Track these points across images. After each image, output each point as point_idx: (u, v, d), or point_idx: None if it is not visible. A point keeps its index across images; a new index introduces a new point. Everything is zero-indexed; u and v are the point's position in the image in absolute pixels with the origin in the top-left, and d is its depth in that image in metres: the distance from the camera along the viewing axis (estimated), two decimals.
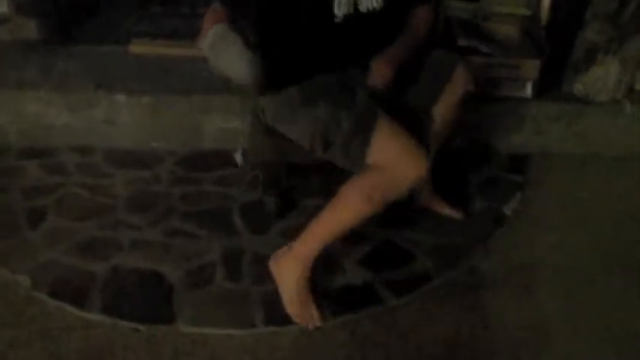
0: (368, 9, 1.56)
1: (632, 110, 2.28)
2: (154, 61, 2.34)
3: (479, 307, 1.72)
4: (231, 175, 2.12)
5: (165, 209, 1.97)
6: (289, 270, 1.60)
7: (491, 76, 2.20)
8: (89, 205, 1.97)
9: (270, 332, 1.60)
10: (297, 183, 2.03)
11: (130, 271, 1.73)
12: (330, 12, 1.52)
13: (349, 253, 1.82)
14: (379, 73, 1.54)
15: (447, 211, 1.97)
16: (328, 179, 2.05)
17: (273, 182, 1.94)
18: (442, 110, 1.74)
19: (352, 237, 1.66)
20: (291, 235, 1.87)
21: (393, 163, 1.43)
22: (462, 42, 2.20)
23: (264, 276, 1.72)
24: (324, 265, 1.66)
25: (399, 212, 1.71)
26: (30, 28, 2.33)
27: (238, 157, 1.71)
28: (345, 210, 1.49)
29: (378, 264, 1.80)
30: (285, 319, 1.62)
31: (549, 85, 2.28)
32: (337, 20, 1.54)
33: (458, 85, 1.71)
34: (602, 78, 2.22)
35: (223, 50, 1.40)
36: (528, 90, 2.23)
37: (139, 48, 2.38)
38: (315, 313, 1.61)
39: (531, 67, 2.19)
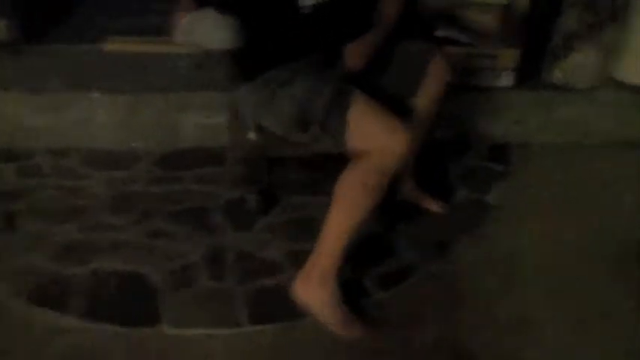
0: None
1: (610, 98, 2.29)
2: (130, 59, 2.30)
3: (464, 299, 1.72)
4: (211, 172, 2.10)
5: (146, 209, 1.94)
6: (319, 295, 1.54)
7: (471, 66, 2.20)
8: (67, 207, 1.93)
9: (256, 331, 1.58)
10: (279, 179, 2.01)
11: (111, 274, 1.70)
12: (295, 5, 1.51)
13: None
14: (352, 57, 1.54)
15: (430, 204, 1.97)
16: (310, 174, 2.05)
17: (255, 179, 1.92)
18: (422, 102, 1.73)
19: None
20: (275, 230, 1.88)
21: (374, 141, 1.41)
22: (441, 32, 2.20)
23: (248, 274, 1.71)
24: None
25: (381, 205, 1.69)
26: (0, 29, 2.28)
27: (252, 135, 1.69)
28: (347, 209, 1.46)
29: (362, 258, 1.78)
30: (270, 317, 1.60)
31: (529, 73, 2.29)
32: (305, 11, 1.52)
33: (437, 76, 1.70)
34: (580, 65, 2.23)
35: (199, 26, 1.42)
36: (508, 79, 2.23)
37: (114, 46, 2.34)
38: (360, 323, 1.57)
39: (510, 57, 2.19)
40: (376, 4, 1.67)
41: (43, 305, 1.60)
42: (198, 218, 1.91)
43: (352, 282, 1.71)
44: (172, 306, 1.61)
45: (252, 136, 1.66)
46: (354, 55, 1.55)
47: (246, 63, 1.55)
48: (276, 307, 1.62)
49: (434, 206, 1.96)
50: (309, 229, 1.86)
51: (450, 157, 2.25)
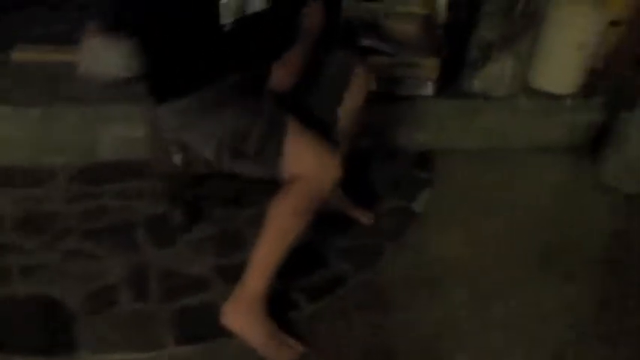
0: (255, 11, 1.50)
1: (527, 104, 2.38)
2: (41, 68, 2.17)
3: (394, 306, 1.73)
4: (132, 187, 2.01)
5: (61, 229, 1.83)
6: (248, 319, 1.51)
7: (393, 76, 2.22)
8: None
9: (182, 352, 1.51)
10: (203, 191, 1.95)
11: (22, 301, 1.59)
12: (217, 23, 1.45)
13: None
14: (279, 78, 1.51)
15: (357, 215, 1.97)
16: (233, 185, 2.00)
17: (178, 193, 1.86)
18: (346, 112, 1.73)
19: None
20: (200, 246, 1.82)
21: (309, 169, 1.41)
22: (363, 42, 2.21)
23: (172, 293, 1.64)
24: (236, 276, 1.59)
25: None
26: None
27: (177, 159, 1.63)
28: (277, 235, 1.44)
29: (291, 270, 1.75)
30: (196, 338, 1.54)
31: (449, 82, 2.34)
32: (226, 28, 1.46)
33: (359, 86, 1.71)
34: (498, 74, 2.30)
35: (100, 53, 1.36)
36: (429, 88, 2.28)
37: (23, 55, 2.20)
38: (292, 342, 1.54)
39: (431, 66, 2.23)
40: (298, 15, 1.64)
41: None
42: (118, 236, 1.82)
43: (281, 295, 1.68)
44: (91, 332, 1.52)
45: (177, 160, 1.62)
46: (282, 75, 1.52)
47: (166, 84, 1.47)
48: (203, 326, 1.57)
49: (362, 218, 1.97)
50: (234, 242, 1.83)
51: (375, 166, 2.26)
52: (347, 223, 1.95)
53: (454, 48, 2.29)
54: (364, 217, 1.97)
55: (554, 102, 2.40)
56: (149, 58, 1.40)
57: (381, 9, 2.35)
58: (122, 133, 2.07)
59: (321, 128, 1.56)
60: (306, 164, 1.41)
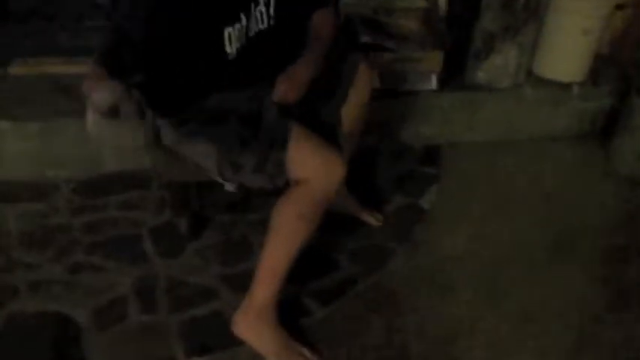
0: (257, 31, 1.46)
1: (532, 94, 2.34)
2: (39, 81, 2.15)
3: (407, 307, 1.70)
4: (136, 197, 1.99)
5: (67, 243, 1.81)
6: (259, 328, 1.48)
7: (396, 71, 2.19)
8: None
9: None
10: (207, 198, 1.93)
11: (30, 317, 1.57)
12: (223, 52, 1.41)
13: None
14: (281, 93, 1.42)
15: (366, 217, 1.94)
16: (238, 191, 1.97)
17: (183, 202, 1.83)
18: (350, 111, 1.69)
19: None
20: (207, 254, 1.79)
21: (312, 172, 1.37)
22: (365, 39, 2.17)
23: (181, 303, 1.62)
24: (244, 284, 1.57)
25: None
26: None
27: (230, 187, 1.62)
28: (284, 242, 1.41)
29: (301, 275, 1.72)
30: (207, 348, 1.52)
31: (453, 75, 2.30)
32: (231, 57, 1.43)
33: (363, 83, 1.67)
34: (502, 65, 2.26)
35: (107, 132, 1.27)
36: (433, 82, 2.24)
37: (20, 69, 2.18)
38: (305, 352, 1.50)
39: (434, 60, 2.20)
40: (304, 27, 1.57)
41: None
42: (124, 248, 1.80)
43: (291, 301, 1.65)
44: (100, 346, 1.51)
45: (230, 187, 1.60)
46: (286, 88, 1.42)
47: (165, 101, 1.43)
48: (213, 336, 1.55)
49: (371, 220, 1.93)
50: (242, 249, 1.81)
51: (381, 164, 2.23)
52: (355, 224, 1.92)
53: (457, 40, 2.25)
54: (372, 219, 1.94)
55: (561, 90, 2.36)
56: (149, 77, 1.35)
57: (381, 4, 2.32)
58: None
59: (325, 129, 1.52)
60: (310, 168, 1.37)
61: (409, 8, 2.32)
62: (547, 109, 2.39)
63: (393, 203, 2.05)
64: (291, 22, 1.53)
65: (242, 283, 1.56)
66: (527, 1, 2.11)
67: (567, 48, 2.28)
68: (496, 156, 2.33)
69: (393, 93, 2.20)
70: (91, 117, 1.23)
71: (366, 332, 1.60)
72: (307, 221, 1.38)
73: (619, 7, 2.28)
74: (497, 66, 2.25)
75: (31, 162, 2.04)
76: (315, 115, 1.57)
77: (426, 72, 2.22)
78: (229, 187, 1.53)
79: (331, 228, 1.87)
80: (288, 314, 1.57)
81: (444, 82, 2.26)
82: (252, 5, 1.44)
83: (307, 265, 1.76)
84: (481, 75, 2.29)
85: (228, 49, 1.41)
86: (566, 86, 2.34)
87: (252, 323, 1.48)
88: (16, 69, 2.18)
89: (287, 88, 1.41)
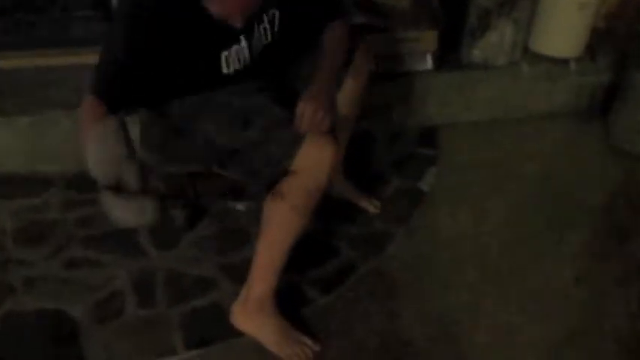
0: (261, 49, 1.39)
1: (529, 71, 2.30)
2: (28, 74, 2.11)
3: (408, 292, 1.68)
4: None
5: (62, 238, 1.78)
6: (259, 319, 1.47)
7: (390, 53, 2.15)
8: None
9: (194, 356, 1.48)
10: (202, 188, 1.90)
11: (27, 315, 1.55)
12: (219, 73, 1.34)
13: None
14: (307, 118, 1.28)
15: (364, 204, 1.91)
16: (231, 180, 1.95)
17: (178, 193, 1.80)
18: (347, 94, 1.65)
19: None
20: (203, 245, 1.77)
21: (304, 163, 1.30)
22: (358, 19, 2.13)
23: (179, 295, 1.60)
24: (242, 273, 1.55)
25: None
26: None
27: (240, 206, 1.59)
28: (278, 235, 1.38)
29: (300, 263, 1.70)
30: (207, 340, 1.50)
31: (448, 54, 2.26)
32: (230, 74, 1.36)
33: (360, 66, 1.62)
34: (497, 42, 2.22)
35: (116, 206, 1.15)
36: (428, 62, 2.20)
37: (8, 62, 2.14)
38: (306, 340, 1.48)
39: (430, 39, 2.16)
40: (307, 35, 1.48)
41: None
42: (120, 241, 1.76)
43: (291, 289, 1.64)
44: (98, 342, 1.49)
45: (240, 207, 1.56)
46: (309, 113, 1.28)
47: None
48: (213, 327, 1.53)
49: (369, 206, 1.90)
50: (238, 238, 1.79)
51: (378, 147, 2.20)
52: (353, 209, 1.90)
53: (450, 18, 2.21)
54: (371, 206, 1.90)
55: (558, 66, 2.32)
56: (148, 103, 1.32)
57: None
58: None
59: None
60: (301, 159, 1.30)
61: None
62: (544, 86, 2.35)
63: (391, 187, 2.02)
64: (296, 34, 1.44)
65: (240, 273, 1.54)
66: None
67: (563, 23, 2.24)
68: (494, 135, 2.30)
69: (388, 75, 2.16)
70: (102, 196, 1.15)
71: (367, 318, 1.59)
72: (300, 213, 1.34)
73: None
74: (493, 43, 2.22)
75: (23, 157, 2.00)
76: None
77: (422, 52, 2.19)
78: (240, 206, 1.52)
79: (329, 214, 1.86)
80: (288, 303, 1.56)
81: (440, 62, 2.22)
82: (255, 25, 1.36)
83: (306, 253, 1.74)
84: (477, 53, 2.25)
85: (225, 71, 1.35)
86: (563, 62, 2.31)
87: (252, 315, 1.47)
88: (4, 62, 2.14)
89: (315, 108, 1.28)
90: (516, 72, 2.31)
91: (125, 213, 1.12)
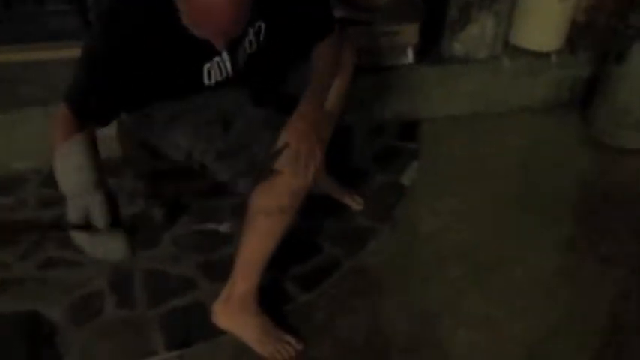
0: (245, 59, 1.35)
1: (510, 65, 2.30)
2: (1, 70, 2.05)
3: (391, 288, 1.67)
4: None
5: (37, 237, 1.74)
6: (241, 318, 1.45)
7: (372, 46, 2.13)
8: None
9: (174, 357, 1.45)
10: (181, 186, 1.87)
11: (3, 317, 1.51)
12: (201, 84, 1.31)
13: None
14: (290, 159, 1.26)
15: (346, 201, 1.89)
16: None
17: (157, 191, 1.77)
18: (332, 91, 1.61)
19: None
20: (183, 243, 1.74)
21: (288, 162, 1.28)
22: (339, 12, 2.11)
23: (159, 295, 1.57)
24: (223, 272, 1.52)
25: None
26: None
27: (224, 227, 1.57)
28: (262, 235, 1.36)
29: (282, 260, 1.69)
30: (188, 340, 1.48)
31: (429, 48, 2.25)
32: (211, 85, 1.33)
33: (344, 62, 1.59)
34: (478, 35, 2.22)
35: (91, 242, 1.12)
36: (409, 56, 2.19)
37: None
38: (289, 338, 1.47)
39: (411, 32, 2.15)
40: (293, 46, 1.45)
41: None
42: None
43: (273, 286, 1.62)
44: (77, 344, 1.46)
45: (224, 228, 1.65)
46: (306, 131, 1.28)
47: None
48: (195, 327, 1.51)
49: (352, 203, 1.89)
50: (218, 236, 1.76)
51: (360, 142, 2.18)
52: (335, 205, 1.88)
53: (432, 11, 2.20)
54: (353, 203, 1.89)
55: (538, 60, 2.32)
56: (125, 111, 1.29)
57: None
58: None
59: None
60: (284, 158, 1.27)
61: None
62: (525, 80, 2.35)
63: (373, 182, 2.01)
64: (283, 44, 1.40)
65: (221, 271, 1.52)
66: None
67: (543, 16, 2.24)
68: (475, 129, 2.30)
69: (369, 69, 2.14)
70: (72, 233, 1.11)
71: (351, 315, 1.58)
72: (285, 212, 1.32)
73: None
74: (474, 36, 2.21)
75: None
76: (288, 97, 1.49)
77: (402, 45, 2.17)
78: (223, 228, 1.59)
79: (312, 211, 1.82)
80: (271, 300, 1.54)
81: (421, 56, 2.21)
82: (239, 40, 1.31)
83: (289, 250, 1.72)
84: (457, 46, 2.24)
85: (206, 82, 1.31)
86: (543, 55, 2.31)
87: (234, 313, 1.45)
88: None
89: (305, 129, 1.27)
90: (497, 66, 2.31)
91: (95, 250, 1.09)
